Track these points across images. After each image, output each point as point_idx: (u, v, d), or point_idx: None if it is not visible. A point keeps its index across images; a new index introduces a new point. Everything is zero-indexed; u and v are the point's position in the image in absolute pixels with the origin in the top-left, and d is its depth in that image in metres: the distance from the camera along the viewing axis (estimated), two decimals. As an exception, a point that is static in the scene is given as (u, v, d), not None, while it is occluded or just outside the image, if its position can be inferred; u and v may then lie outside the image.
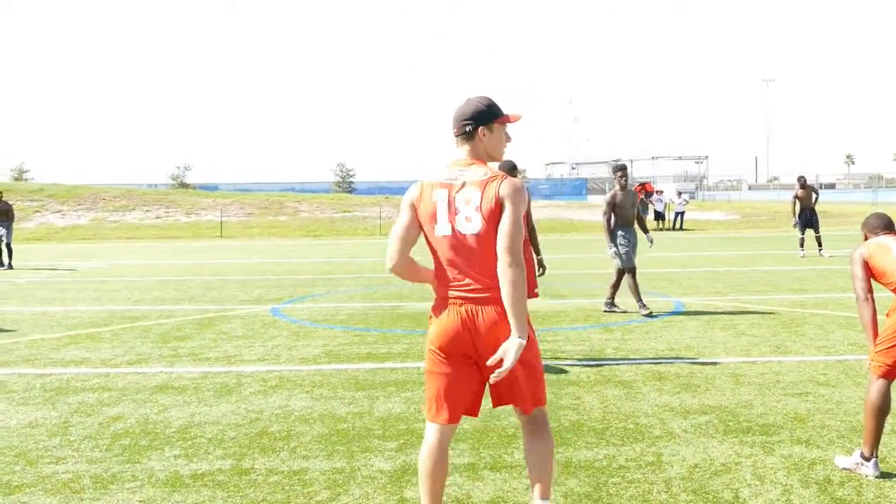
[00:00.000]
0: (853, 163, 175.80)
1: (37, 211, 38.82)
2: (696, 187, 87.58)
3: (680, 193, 35.93)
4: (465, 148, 3.34)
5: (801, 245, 18.21)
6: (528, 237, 7.41)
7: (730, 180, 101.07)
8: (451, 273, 3.26)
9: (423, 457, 3.36)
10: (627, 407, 5.79)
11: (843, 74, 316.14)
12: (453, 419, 3.34)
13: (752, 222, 35.88)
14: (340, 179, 75.81)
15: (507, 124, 3.42)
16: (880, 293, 4.55)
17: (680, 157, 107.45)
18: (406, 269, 3.42)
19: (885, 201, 47.97)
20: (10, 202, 19.23)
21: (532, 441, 3.41)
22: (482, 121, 3.32)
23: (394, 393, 6.30)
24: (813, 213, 17.97)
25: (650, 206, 31.65)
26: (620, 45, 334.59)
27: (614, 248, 10.10)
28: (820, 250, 18.03)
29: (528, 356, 3.24)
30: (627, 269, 10.06)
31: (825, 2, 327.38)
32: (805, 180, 18.25)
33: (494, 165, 3.44)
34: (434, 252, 3.33)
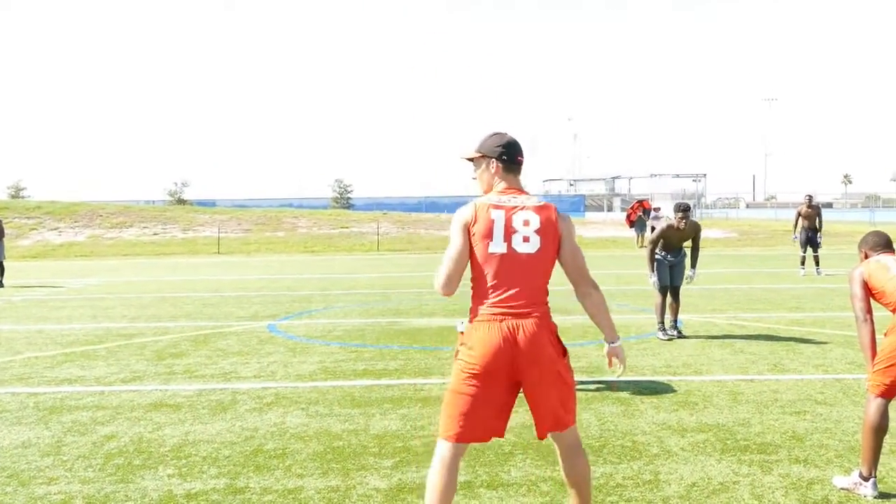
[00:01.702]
0: (850, 182, 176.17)
1: (33, 228, 38.75)
2: (694, 205, 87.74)
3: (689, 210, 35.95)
4: (511, 177, 3.54)
5: (802, 263, 18.17)
6: None
7: (727, 198, 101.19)
8: (497, 290, 3.35)
9: (435, 472, 3.39)
10: (625, 424, 5.76)
11: (841, 95, 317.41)
12: (471, 439, 3.41)
13: (750, 240, 35.87)
14: (338, 195, 75.83)
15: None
16: (879, 312, 4.53)
17: (678, 175, 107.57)
18: (456, 287, 3.53)
19: (882, 221, 48.00)
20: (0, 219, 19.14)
21: (573, 462, 3.49)
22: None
23: (390, 410, 6.26)
24: (815, 232, 17.88)
25: (647, 223, 31.66)
26: (620, 62, 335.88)
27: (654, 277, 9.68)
28: (817, 269, 18.01)
29: (568, 375, 3.42)
30: (660, 288, 9.69)
31: (823, 23, 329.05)
32: (811, 199, 18.14)
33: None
34: (480, 269, 3.40)
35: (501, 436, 3.45)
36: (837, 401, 6.37)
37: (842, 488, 4.44)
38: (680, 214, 9.57)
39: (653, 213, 32.71)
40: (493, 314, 3.33)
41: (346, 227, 40.29)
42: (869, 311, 4.50)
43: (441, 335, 9.86)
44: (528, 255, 3.35)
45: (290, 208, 54.19)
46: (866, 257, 4.73)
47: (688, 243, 9.85)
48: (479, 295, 3.41)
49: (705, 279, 17.34)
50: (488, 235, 3.36)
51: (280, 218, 42.61)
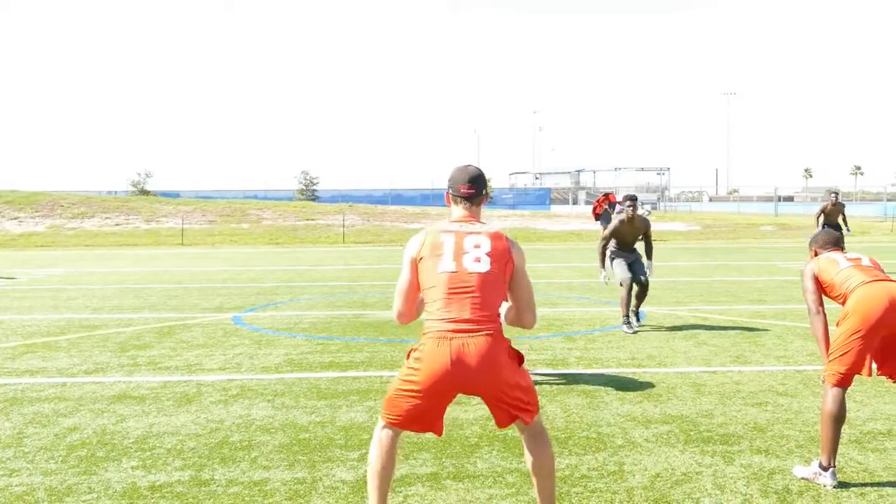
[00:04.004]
0: (811, 176, 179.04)
1: (-7, 217, 38.09)
2: (658, 198, 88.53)
3: (642, 204, 36.26)
4: (465, 208, 3.69)
5: None
6: None
7: (691, 192, 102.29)
8: (448, 307, 3.42)
9: (376, 456, 3.55)
10: (590, 416, 5.81)
11: (802, 89, 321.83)
12: (408, 429, 3.58)
13: (713, 233, 36.29)
14: (304, 187, 75.38)
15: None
16: (831, 306, 4.62)
17: (642, 169, 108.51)
18: (415, 315, 3.74)
19: (859, 214, 48.78)
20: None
21: (537, 452, 3.57)
22: (484, 186, 3.78)
23: (356, 402, 6.26)
24: (838, 228, 17.55)
25: (613, 216, 31.89)
26: (585, 56, 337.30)
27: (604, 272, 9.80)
28: None
29: (525, 379, 3.51)
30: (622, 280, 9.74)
31: (785, 18, 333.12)
32: (837, 196, 17.67)
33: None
34: (430, 288, 3.49)
35: (439, 434, 3.61)
36: (798, 392, 6.48)
37: (802, 478, 4.52)
38: (628, 203, 9.90)
39: (618, 207, 33.00)
40: (444, 331, 3.39)
41: (312, 220, 40.12)
42: (821, 304, 4.66)
43: (408, 328, 9.83)
44: (479, 273, 3.44)
45: (255, 200, 53.82)
46: (816, 255, 4.93)
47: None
48: (429, 312, 3.49)
49: (669, 272, 17.52)
50: (436, 256, 3.50)
51: (245, 209, 42.30)
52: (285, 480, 4.55)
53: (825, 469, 4.44)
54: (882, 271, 4.65)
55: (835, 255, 4.76)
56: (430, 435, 5.28)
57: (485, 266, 3.45)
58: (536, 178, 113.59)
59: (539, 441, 3.57)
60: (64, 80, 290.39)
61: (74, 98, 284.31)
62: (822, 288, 4.69)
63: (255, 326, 10.10)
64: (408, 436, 5.36)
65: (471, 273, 3.44)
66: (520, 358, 3.51)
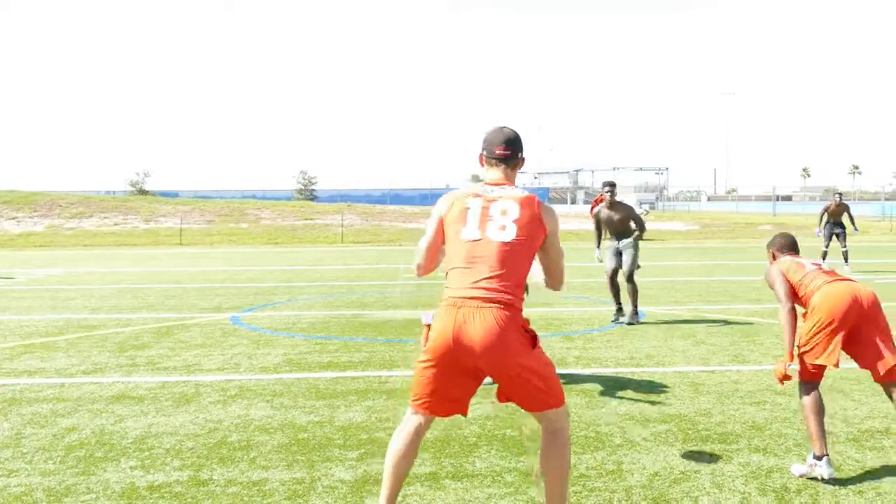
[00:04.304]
0: (809, 176, 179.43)
1: (-9, 217, 38.07)
2: (657, 198, 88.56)
3: (641, 204, 36.26)
4: (500, 171, 3.54)
5: (824, 258, 17.22)
6: None
7: (689, 191, 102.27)
8: (464, 276, 3.31)
9: (398, 438, 3.46)
10: (588, 415, 5.82)
11: (800, 89, 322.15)
12: (431, 413, 3.44)
13: (711, 233, 36.34)
14: (303, 187, 75.37)
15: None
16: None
17: (641, 168, 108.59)
18: (433, 268, 3.66)
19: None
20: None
21: (549, 451, 3.43)
22: (521, 149, 3.60)
23: (355, 402, 6.26)
24: (842, 226, 17.53)
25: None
26: (584, 55, 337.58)
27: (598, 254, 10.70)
28: (846, 263, 17.19)
29: (538, 364, 3.32)
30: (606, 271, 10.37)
31: (783, 18, 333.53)
32: (841, 196, 17.78)
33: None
34: (451, 254, 3.41)
35: (464, 414, 3.48)
36: (796, 391, 6.41)
37: (800, 475, 4.53)
38: (606, 188, 10.19)
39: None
40: (455, 299, 3.28)
41: (310, 219, 40.11)
42: (791, 296, 4.76)
43: (406, 327, 9.87)
44: (503, 242, 3.30)
45: (253, 200, 53.79)
46: (774, 257, 5.13)
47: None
48: (449, 279, 3.38)
49: (667, 271, 17.54)
50: (461, 221, 3.37)
51: (243, 209, 42.29)
52: (284, 480, 4.54)
53: (819, 459, 4.45)
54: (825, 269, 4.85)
55: (799, 258, 4.96)
56: (429, 434, 5.31)
57: (510, 235, 3.31)
58: (535, 178, 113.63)
59: (555, 440, 3.40)
60: (63, 81, 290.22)
61: (73, 98, 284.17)
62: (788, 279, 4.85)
63: (253, 326, 10.10)
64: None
65: (493, 242, 3.30)
66: (533, 340, 3.31)
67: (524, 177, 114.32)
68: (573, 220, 42.21)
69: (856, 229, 17.59)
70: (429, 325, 7.21)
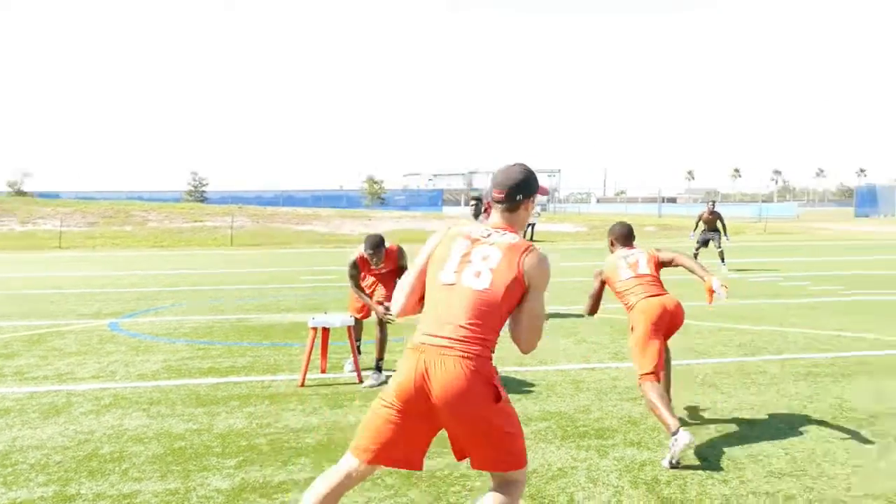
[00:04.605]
0: (693, 178, 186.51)
1: None
2: (549, 200, 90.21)
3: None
4: (497, 213, 3.29)
5: (695, 258, 17.24)
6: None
7: (580, 193, 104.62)
8: (432, 319, 3.10)
9: (323, 482, 3.10)
10: (471, 416, 5.85)
11: (686, 94, 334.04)
12: (381, 462, 3.11)
13: (600, 234, 37.22)
14: (193, 188, 73.38)
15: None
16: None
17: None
18: (417, 310, 3.32)
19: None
20: None
21: (487, 496, 3.13)
22: (530, 192, 3.28)
23: (236, 408, 6.13)
24: (716, 231, 18.14)
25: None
26: (474, 53, 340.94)
27: None
28: (722, 263, 17.74)
29: (501, 420, 3.04)
30: None
31: (668, 22, 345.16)
32: (713, 205, 18.60)
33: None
34: (427, 295, 3.21)
35: (416, 468, 3.17)
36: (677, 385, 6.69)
37: (669, 463, 4.69)
38: (472, 203, 10.91)
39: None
40: (418, 344, 3.07)
41: (199, 221, 39.10)
42: (594, 308, 6.03)
43: (292, 331, 9.74)
44: (474, 290, 3.07)
45: (139, 201, 52.09)
46: (612, 244, 6.05)
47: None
48: (420, 321, 3.17)
49: (557, 273, 17.83)
50: (442, 263, 3.19)
51: (129, 211, 40.90)
52: (157, 492, 4.40)
53: (675, 434, 4.71)
54: (657, 276, 5.72)
55: (622, 253, 5.84)
56: (309, 438, 5.26)
57: (483, 283, 3.07)
58: (430, 180, 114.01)
59: (496, 494, 3.10)
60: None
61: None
62: (609, 285, 5.84)
63: (133, 332, 9.77)
64: (287, 440, 5.30)
65: (465, 288, 3.08)
66: (497, 394, 3.02)
67: (418, 178, 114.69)
68: (467, 222, 42.42)
69: (727, 237, 18.23)
70: (314, 329, 7.13)
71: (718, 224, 18.18)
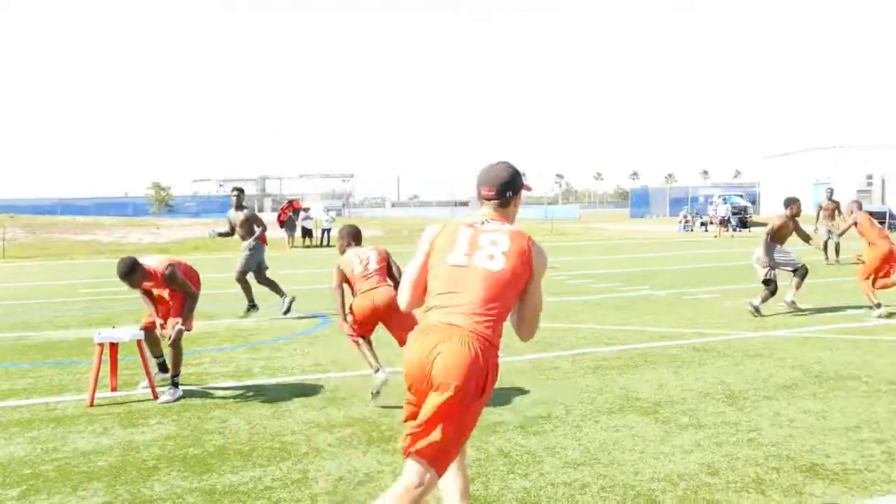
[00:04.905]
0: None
1: None
2: (344, 204, 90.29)
3: (327, 210, 36.73)
4: (490, 207, 3.45)
5: None
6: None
7: (374, 198, 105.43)
8: (443, 300, 3.20)
9: (390, 492, 3.09)
10: (274, 426, 5.76)
11: (474, 101, 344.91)
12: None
13: (395, 238, 37.68)
14: (-44, 198, 67.11)
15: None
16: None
17: (328, 175, 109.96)
18: (420, 304, 3.41)
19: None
20: None
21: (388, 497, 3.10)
22: (517, 188, 3.47)
23: (16, 434, 5.67)
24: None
25: (297, 223, 31.96)
26: (257, 54, 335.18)
27: None
28: None
29: (453, 411, 3.05)
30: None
31: (451, 25, 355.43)
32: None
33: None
34: (435, 279, 3.28)
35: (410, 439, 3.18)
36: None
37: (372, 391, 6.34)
38: (234, 193, 11.97)
39: (302, 214, 33.12)
40: (428, 324, 3.18)
41: (-35, 233, 35.79)
42: (341, 284, 6.69)
43: (77, 348, 9.13)
44: (490, 271, 3.20)
45: None
46: (343, 245, 6.90)
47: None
48: (429, 302, 3.27)
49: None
50: (449, 247, 3.30)
51: None
52: (-74, 531, 4.00)
53: (377, 371, 6.40)
54: (384, 272, 6.67)
55: (353, 257, 6.69)
56: (101, 461, 4.97)
57: (497, 265, 3.21)
58: (220, 186, 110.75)
59: (402, 491, 3.06)
60: None
61: None
62: (347, 282, 6.65)
63: None
64: (76, 464, 4.97)
65: (479, 269, 3.21)
66: (482, 389, 3.10)
67: (209, 184, 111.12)
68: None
69: None
70: (101, 345, 6.71)
71: None
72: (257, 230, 11.56)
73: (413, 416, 3.18)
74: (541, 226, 45.82)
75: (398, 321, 6.40)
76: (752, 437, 5.29)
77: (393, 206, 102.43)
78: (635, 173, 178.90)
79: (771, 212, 54.32)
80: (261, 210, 79.68)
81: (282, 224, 31.99)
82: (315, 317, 11.33)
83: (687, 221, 44.38)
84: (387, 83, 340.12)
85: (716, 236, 35.70)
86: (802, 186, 51.09)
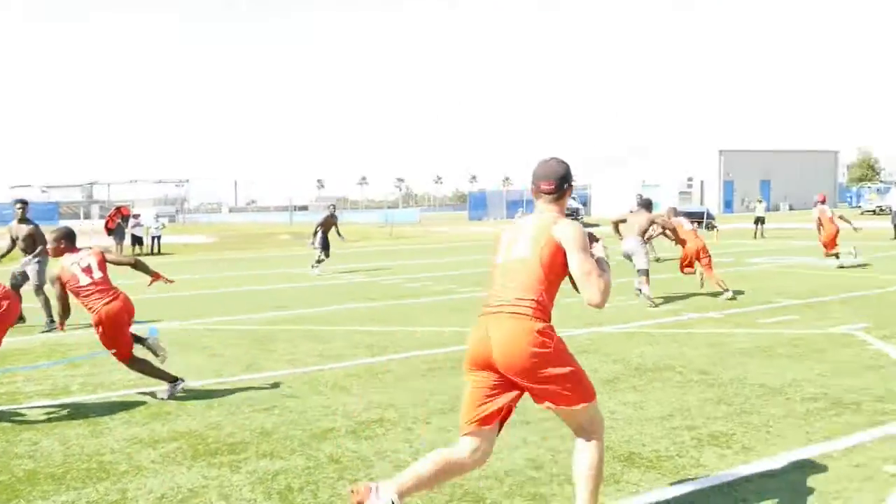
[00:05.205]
0: (323, 186, 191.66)
1: None
2: (178, 210, 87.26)
3: (158, 217, 35.32)
4: (544, 201, 3.85)
5: (319, 262, 19.26)
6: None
7: (210, 203, 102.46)
8: (493, 293, 3.71)
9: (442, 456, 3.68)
10: (91, 445, 5.46)
11: (313, 105, 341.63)
12: (485, 423, 3.63)
13: (232, 244, 36.75)
14: None
15: None
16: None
17: (161, 181, 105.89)
18: None
19: (351, 220, 52.94)
20: None
21: (575, 455, 3.74)
22: (571, 181, 3.90)
23: None
24: (338, 235, 19.74)
25: (127, 230, 30.55)
26: (96, 61, 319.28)
27: None
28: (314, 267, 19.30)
29: (554, 360, 3.55)
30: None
31: (306, 33, 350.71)
32: (334, 208, 20.68)
33: None
34: (491, 279, 3.82)
35: (489, 425, 3.64)
36: (304, 392, 6.80)
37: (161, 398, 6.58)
38: (18, 206, 11.73)
39: (132, 221, 31.68)
40: (483, 313, 3.69)
41: None
42: (63, 310, 6.82)
43: None
44: (517, 259, 3.68)
45: None
46: (63, 248, 6.85)
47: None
48: (486, 299, 3.78)
49: (188, 285, 17.27)
50: (496, 248, 3.88)
51: None
52: None
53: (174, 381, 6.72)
54: (105, 282, 6.72)
55: (72, 266, 6.63)
56: None
57: (524, 252, 3.67)
58: (43, 192, 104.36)
59: (580, 441, 3.71)
60: None
61: None
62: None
63: None
64: None
65: (512, 261, 3.70)
66: (545, 342, 3.52)
67: (29, 191, 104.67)
68: (88, 236, 39.76)
69: (341, 237, 19.94)
70: None
71: (334, 231, 19.72)
72: (40, 247, 11.30)
73: (472, 395, 3.65)
74: (380, 230, 45.97)
75: (113, 335, 6.68)
76: (575, 431, 5.48)
77: (230, 211, 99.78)
78: (474, 177, 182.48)
79: (602, 213, 56.90)
80: (87, 217, 75.72)
81: (109, 232, 30.44)
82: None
83: (523, 223, 45.55)
84: (222, 85, 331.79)
85: (550, 237, 36.80)
86: (630, 188, 53.63)
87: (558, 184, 3.83)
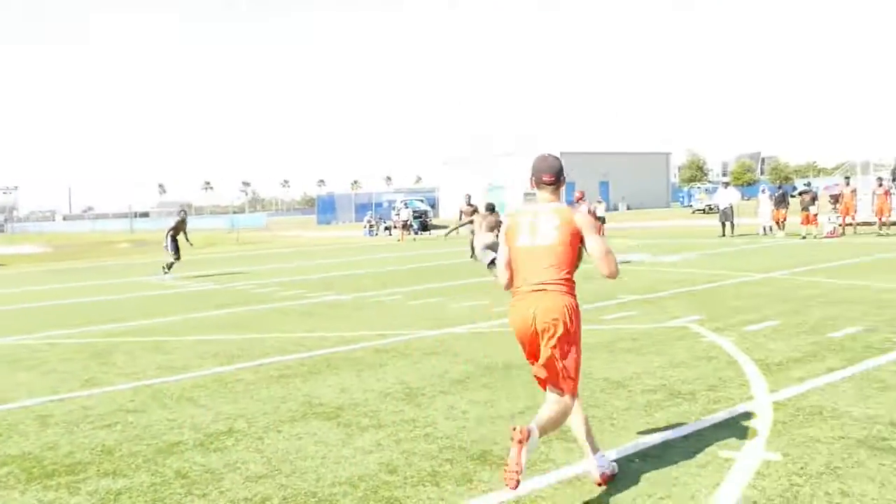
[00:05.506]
0: (165, 191, 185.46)
1: None
2: (6, 219, 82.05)
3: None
4: (548, 192, 4.54)
5: (169, 268, 19.82)
6: None
7: (42, 211, 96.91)
8: (524, 273, 4.39)
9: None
10: None
11: (156, 107, 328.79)
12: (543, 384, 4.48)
13: (67, 253, 34.89)
14: None
15: None
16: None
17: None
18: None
19: (206, 226, 51.31)
20: None
21: (544, 406, 4.38)
22: (564, 174, 4.58)
23: None
24: (186, 240, 20.04)
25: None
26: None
27: None
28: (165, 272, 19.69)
29: (573, 342, 4.35)
30: None
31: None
32: (185, 213, 20.85)
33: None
34: (513, 259, 4.48)
35: (541, 378, 4.43)
36: (147, 406, 6.53)
37: None
38: None
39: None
40: (524, 293, 4.36)
41: None
42: None
43: None
44: (543, 246, 4.35)
45: None
46: None
47: None
48: (514, 279, 4.48)
49: (18, 298, 16.27)
50: (517, 233, 4.46)
51: None
52: None
53: None
54: None
55: None
56: None
57: (550, 239, 4.34)
58: None
59: (549, 400, 4.38)
60: None
61: None
62: None
63: None
64: None
65: (540, 246, 4.35)
66: (569, 320, 4.26)
67: None
68: None
69: (189, 243, 20.38)
70: None
71: (182, 235, 20.00)
72: None
73: (528, 353, 4.44)
74: (227, 235, 44.86)
75: None
76: (428, 433, 5.53)
77: (65, 219, 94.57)
78: (322, 180, 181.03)
79: (450, 215, 57.69)
80: None
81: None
82: (-33, 346, 10.12)
83: (372, 226, 45.71)
84: (56, 87, 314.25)
85: (399, 240, 37.05)
86: (478, 190, 54.63)
87: (557, 176, 4.54)
